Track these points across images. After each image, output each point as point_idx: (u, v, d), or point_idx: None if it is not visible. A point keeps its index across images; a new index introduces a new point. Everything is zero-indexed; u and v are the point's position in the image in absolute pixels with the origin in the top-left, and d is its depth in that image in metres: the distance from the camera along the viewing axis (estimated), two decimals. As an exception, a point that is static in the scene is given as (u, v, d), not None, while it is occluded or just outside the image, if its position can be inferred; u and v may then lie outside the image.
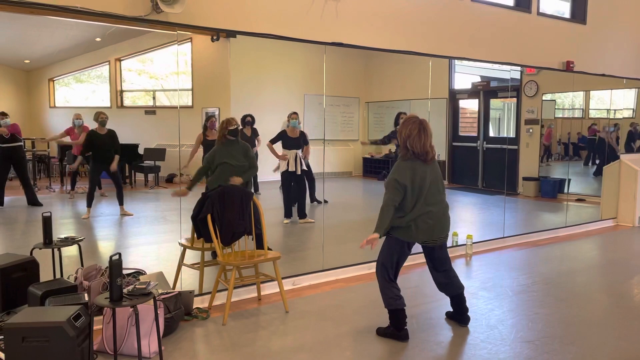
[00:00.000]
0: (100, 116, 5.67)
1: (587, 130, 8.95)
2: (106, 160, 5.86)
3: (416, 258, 5.46)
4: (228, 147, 4.72)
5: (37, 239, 3.87)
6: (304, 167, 6.24)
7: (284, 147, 6.23)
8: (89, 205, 5.81)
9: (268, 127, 6.63)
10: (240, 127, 4.89)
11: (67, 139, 5.87)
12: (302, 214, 6.37)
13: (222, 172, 4.67)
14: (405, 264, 5.38)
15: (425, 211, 3.42)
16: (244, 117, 6.15)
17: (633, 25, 8.22)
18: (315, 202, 6.75)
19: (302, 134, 6.41)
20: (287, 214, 6.26)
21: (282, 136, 6.24)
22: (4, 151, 5.31)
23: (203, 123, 5.88)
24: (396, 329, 3.51)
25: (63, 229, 5.44)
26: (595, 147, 8.82)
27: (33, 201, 5.62)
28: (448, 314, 3.91)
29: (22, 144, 5.48)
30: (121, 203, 6.00)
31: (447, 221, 3.59)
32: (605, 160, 8.75)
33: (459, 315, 3.80)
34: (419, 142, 3.35)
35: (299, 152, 6.25)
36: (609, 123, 8.60)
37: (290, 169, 6.16)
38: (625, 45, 8.11)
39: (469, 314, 3.80)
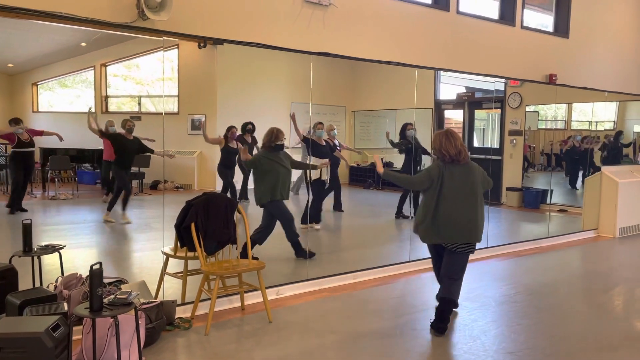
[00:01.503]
0: (127, 124, 5.81)
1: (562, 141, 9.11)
2: (130, 166, 5.92)
3: (401, 268, 5.48)
4: (274, 153, 5.18)
5: (18, 246, 3.80)
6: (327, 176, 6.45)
7: (313, 155, 6.32)
8: (110, 209, 5.94)
9: (255, 134, 6.62)
10: (283, 142, 5.30)
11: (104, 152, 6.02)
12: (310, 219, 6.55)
13: (274, 176, 5.14)
14: (389, 274, 5.41)
15: (441, 213, 3.80)
16: (245, 124, 6.26)
17: (614, 40, 8.39)
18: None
19: (328, 144, 6.55)
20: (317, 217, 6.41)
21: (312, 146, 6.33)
22: (21, 155, 5.33)
23: (224, 133, 6.05)
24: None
25: (44, 235, 5.36)
26: (570, 159, 8.97)
27: (19, 207, 5.59)
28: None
29: (34, 149, 5.48)
30: (124, 208, 6.00)
31: (474, 226, 3.83)
32: (576, 173, 8.91)
33: (433, 321, 3.83)
34: (451, 145, 3.84)
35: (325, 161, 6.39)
36: (590, 134, 8.75)
37: (322, 177, 6.33)
38: (607, 58, 8.28)
39: (445, 326, 3.81)
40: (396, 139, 7.32)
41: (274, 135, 5.17)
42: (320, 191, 6.40)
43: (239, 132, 6.14)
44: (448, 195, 3.80)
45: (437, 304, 3.99)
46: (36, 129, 5.47)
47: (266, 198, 5.17)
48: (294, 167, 5.55)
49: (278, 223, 5.34)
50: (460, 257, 3.89)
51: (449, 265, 3.91)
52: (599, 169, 7.91)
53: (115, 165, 5.93)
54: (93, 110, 5.90)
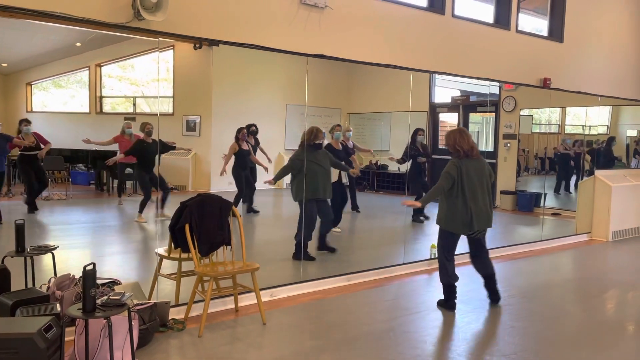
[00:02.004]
0: (146, 127, 5.90)
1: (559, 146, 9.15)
2: (151, 168, 5.99)
3: (394, 270, 5.49)
4: (312, 152, 5.36)
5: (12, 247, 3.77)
6: (345, 180, 6.52)
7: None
8: (141, 211, 6.06)
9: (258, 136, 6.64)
10: (322, 141, 5.55)
11: (118, 154, 6.04)
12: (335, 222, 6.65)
13: (310, 176, 5.33)
14: (383, 276, 5.43)
15: (468, 206, 4.18)
16: (249, 126, 6.42)
17: (608, 44, 8.45)
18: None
19: (345, 146, 6.63)
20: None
21: (328, 149, 6.34)
22: (28, 158, 5.42)
23: (235, 134, 6.23)
24: (446, 300, 4.39)
25: (38, 236, 5.33)
26: (558, 162, 9.02)
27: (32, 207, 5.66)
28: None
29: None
30: (140, 211, 6.11)
31: (488, 216, 4.34)
32: (563, 177, 8.95)
33: (490, 294, 4.52)
34: (464, 141, 4.23)
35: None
36: (584, 139, 8.79)
37: (342, 180, 6.44)
38: (600, 63, 8.33)
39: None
40: (395, 148, 7.40)
41: (314, 134, 5.37)
42: (342, 194, 6.48)
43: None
44: (469, 188, 4.18)
45: (433, 307, 4.35)
46: (45, 139, 5.54)
47: (300, 196, 5.35)
48: (333, 166, 5.66)
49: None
50: (483, 240, 4.50)
51: (480, 248, 4.49)
52: (591, 173, 7.96)
53: (137, 169, 6.04)
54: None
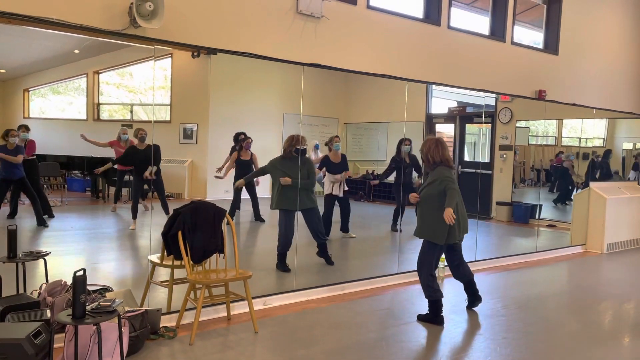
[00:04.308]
0: (139, 132, 5.81)
1: (554, 157, 9.17)
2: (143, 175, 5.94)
3: (388, 280, 5.48)
4: (290, 162, 5.30)
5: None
6: (345, 189, 6.46)
7: (328, 171, 6.36)
8: (135, 217, 5.87)
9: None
10: (306, 146, 5.51)
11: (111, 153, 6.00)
12: (345, 229, 6.74)
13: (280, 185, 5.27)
14: (377, 285, 5.42)
15: (459, 212, 4.22)
16: (240, 135, 6.24)
17: (603, 57, 8.51)
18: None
19: (344, 157, 6.56)
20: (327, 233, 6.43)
21: (325, 162, 6.32)
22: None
23: (238, 144, 6.07)
24: (435, 315, 4.28)
25: (32, 242, 5.31)
26: (559, 175, 9.03)
27: (45, 212, 5.64)
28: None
29: (34, 158, 5.49)
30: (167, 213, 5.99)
31: (467, 221, 4.45)
32: (565, 189, 8.94)
33: (474, 298, 4.64)
34: (438, 153, 4.23)
35: (339, 176, 6.41)
36: (580, 151, 8.83)
37: (333, 192, 6.35)
38: (595, 76, 8.39)
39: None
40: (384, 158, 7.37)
41: (295, 140, 5.31)
42: (330, 206, 6.36)
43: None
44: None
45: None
46: (31, 150, 5.45)
47: (272, 205, 5.42)
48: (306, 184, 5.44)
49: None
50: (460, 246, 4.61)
51: (461, 255, 4.63)
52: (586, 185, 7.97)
53: (133, 175, 5.91)
54: (82, 134, 5.93)
